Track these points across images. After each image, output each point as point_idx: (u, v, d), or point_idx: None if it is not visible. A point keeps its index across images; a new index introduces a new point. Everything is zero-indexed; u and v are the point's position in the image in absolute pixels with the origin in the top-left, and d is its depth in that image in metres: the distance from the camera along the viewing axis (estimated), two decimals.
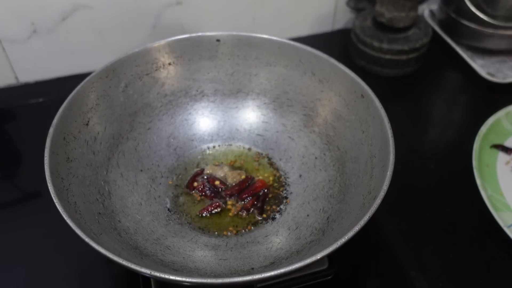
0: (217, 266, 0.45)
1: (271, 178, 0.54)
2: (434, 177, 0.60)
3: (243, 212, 0.51)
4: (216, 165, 0.55)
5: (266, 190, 0.52)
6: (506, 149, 0.61)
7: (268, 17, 0.75)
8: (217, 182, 0.53)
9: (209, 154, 0.57)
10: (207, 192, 0.52)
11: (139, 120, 0.55)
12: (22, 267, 0.50)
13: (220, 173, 0.54)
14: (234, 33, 0.55)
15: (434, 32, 0.76)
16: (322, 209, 0.49)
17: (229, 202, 0.52)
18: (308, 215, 0.50)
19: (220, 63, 0.57)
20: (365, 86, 0.49)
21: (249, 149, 0.57)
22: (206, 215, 0.50)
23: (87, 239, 0.37)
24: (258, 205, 0.51)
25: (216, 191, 0.52)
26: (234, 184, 0.53)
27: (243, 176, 0.54)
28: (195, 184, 0.53)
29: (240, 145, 0.58)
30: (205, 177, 0.53)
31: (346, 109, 0.52)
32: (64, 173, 0.44)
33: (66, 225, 0.38)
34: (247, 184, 0.53)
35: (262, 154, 0.57)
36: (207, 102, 0.58)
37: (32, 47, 0.67)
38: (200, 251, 0.47)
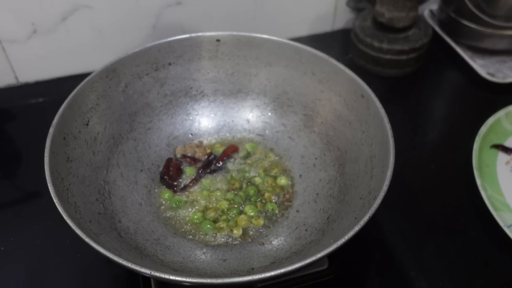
0: (217, 266, 0.45)
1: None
2: (434, 177, 0.60)
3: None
4: (183, 147, 0.56)
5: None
6: (506, 149, 0.61)
7: (268, 17, 0.75)
8: (192, 154, 0.55)
9: None
10: (189, 161, 0.55)
11: (139, 120, 0.55)
12: (22, 267, 0.50)
13: (189, 152, 0.55)
14: (234, 33, 0.55)
15: (434, 32, 0.76)
16: (322, 209, 0.49)
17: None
18: (308, 215, 0.50)
19: (220, 63, 0.57)
20: (365, 86, 0.49)
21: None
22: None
23: (87, 239, 0.37)
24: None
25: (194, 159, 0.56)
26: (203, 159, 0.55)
27: (208, 151, 0.56)
28: (171, 168, 0.54)
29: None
30: (181, 160, 0.55)
31: (346, 109, 0.52)
32: (64, 173, 0.44)
33: (66, 225, 0.38)
34: (214, 156, 0.56)
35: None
36: (207, 102, 0.58)
37: (32, 47, 0.67)
38: (200, 251, 0.47)
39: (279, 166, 0.55)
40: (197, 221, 0.49)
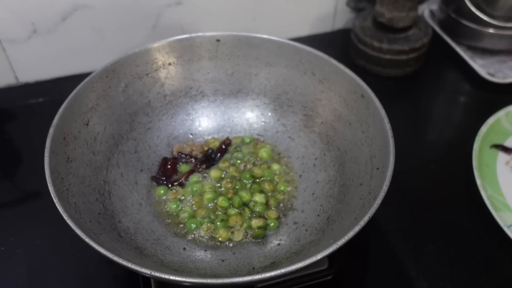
0: (217, 266, 0.45)
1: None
2: (434, 177, 0.60)
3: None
4: (181, 145, 0.56)
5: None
6: (506, 149, 0.61)
7: (268, 17, 0.75)
8: (189, 151, 0.55)
9: None
10: (185, 159, 0.55)
11: (139, 120, 0.55)
12: (22, 267, 0.50)
13: (187, 149, 0.56)
14: (234, 33, 0.55)
15: (434, 32, 0.76)
16: (322, 209, 0.49)
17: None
18: (308, 215, 0.50)
19: (220, 63, 0.57)
20: (365, 86, 0.49)
21: None
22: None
23: (87, 239, 0.37)
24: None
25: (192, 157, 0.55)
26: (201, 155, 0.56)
27: (206, 148, 0.56)
28: (169, 165, 0.54)
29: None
30: (176, 156, 0.55)
31: (346, 109, 0.52)
32: (64, 173, 0.44)
33: (66, 225, 0.38)
34: (212, 152, 0.56)
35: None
36: (207, 102, 0.58)
37: (32, 47, 0.67)
38: (200, 251, 0.47)
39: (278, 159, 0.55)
40: (186, 218, 0.49)
